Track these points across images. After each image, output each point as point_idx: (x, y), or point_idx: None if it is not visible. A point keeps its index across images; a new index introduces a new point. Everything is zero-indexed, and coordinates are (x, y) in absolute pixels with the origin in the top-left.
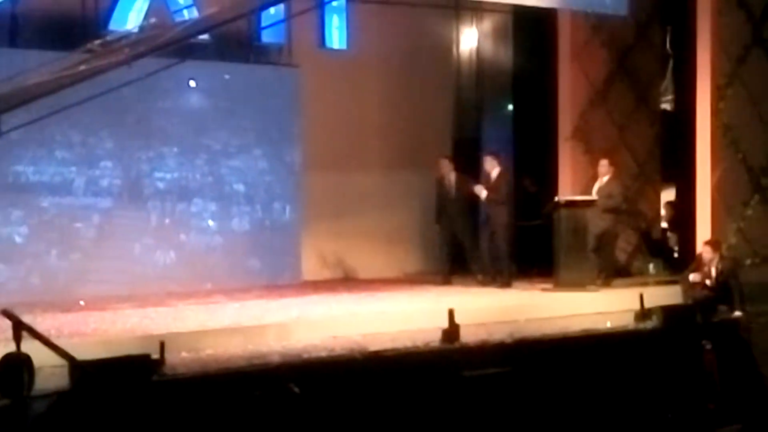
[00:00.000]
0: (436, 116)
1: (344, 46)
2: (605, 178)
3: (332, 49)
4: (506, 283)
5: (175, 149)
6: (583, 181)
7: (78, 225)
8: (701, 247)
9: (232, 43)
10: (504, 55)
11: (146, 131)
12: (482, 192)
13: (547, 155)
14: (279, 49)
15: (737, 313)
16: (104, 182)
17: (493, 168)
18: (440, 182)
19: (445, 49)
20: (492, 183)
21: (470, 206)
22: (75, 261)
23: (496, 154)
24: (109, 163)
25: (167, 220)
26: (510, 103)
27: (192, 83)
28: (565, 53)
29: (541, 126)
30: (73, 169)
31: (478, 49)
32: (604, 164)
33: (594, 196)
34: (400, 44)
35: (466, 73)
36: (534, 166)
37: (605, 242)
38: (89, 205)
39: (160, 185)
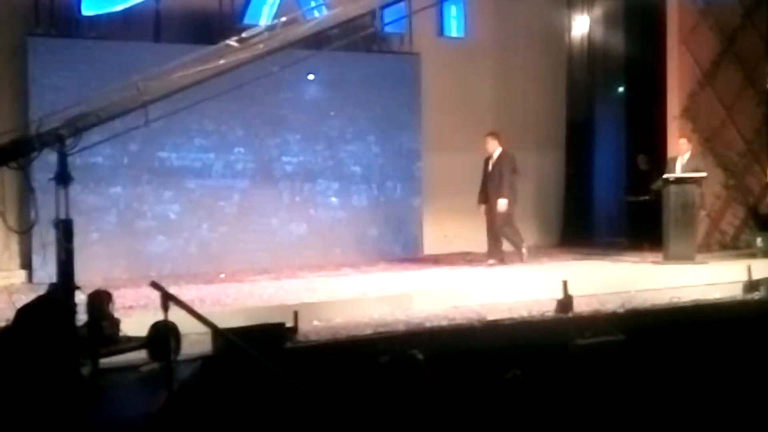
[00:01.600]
0: (549, 99)
1: (461, 35)
2: (686, 156)
3: (450, 37)
4: (501, 260)
5: (298, 136)
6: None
7: (221, 203)
8: None
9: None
10: (615, 40)
11: (273, 119)
12: (504, 206)
13: (658, 134)
14: (400, 38)
15: None
16: (239, 166)
17: (494, 148)
18: (486, 161)
19: (558, 35)
20: (493, 163)
21: None
22: (223, 233)
23: (495, 134)
24: (241, 149)
25: (297, 198)
26: (621, 85)
27: (310, 76)
28: (673, 37)
29: (652, 107)
30: (211, 155)
31: (589, 35)
32: (683, 142)
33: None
34: (515, 32)
35: (578, 58)
36: (645, 145)
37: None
38: (229, 186)
39: (288, 168)
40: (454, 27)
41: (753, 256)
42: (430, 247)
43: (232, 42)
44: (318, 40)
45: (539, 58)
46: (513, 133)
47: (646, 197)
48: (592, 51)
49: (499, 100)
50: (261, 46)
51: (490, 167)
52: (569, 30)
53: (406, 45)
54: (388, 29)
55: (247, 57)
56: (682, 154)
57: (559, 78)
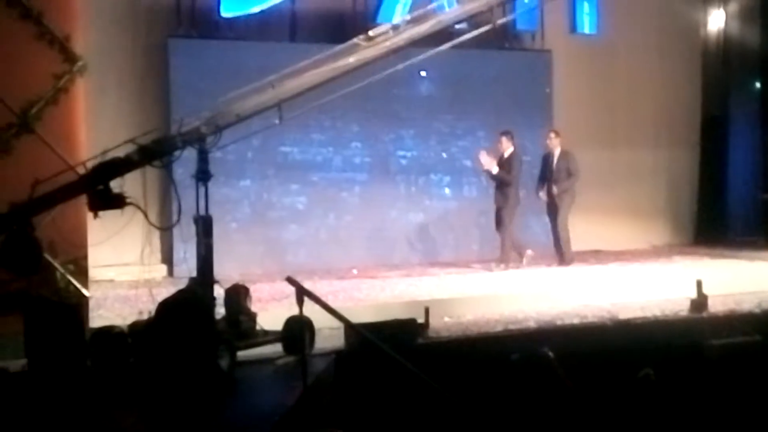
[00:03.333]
0: (683, 95)
1: (594, 31)
2: None
3: (583, 34)
4: (503, 263)
5: (412, 131)
6: None
7: (344, 194)
8: None
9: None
10: (751, 35)
11: (388, 115)
12: (494, 167)
13: None
14: (532, 35)
15: None
16: (357, 160)
17: (506, 148)
18: (546, 158)
19: (693, 30)
20: (504, 162)
21: None
22: (349, 221)
23: (509, 134)
24: (358, 144)
25: (413, 189)
26: (758, 80)
27: (423, 73)
28: None
29: None
30: (331, 149)
31: (725, 30)
32: None
33: None
34: (649, 27)
35: (714, 53)
36: None
37: None
38: (349, 179)
39: (403, 162)
40: (587, 23)
41: None
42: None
43: (360, 40)
44: (447, 37)
45: (673, 54)
46: (646, 130)
47: None
48: (727, 46)
49: (632, 97)
50: (387, 43)
51: (553, 165)
52: (704, 25)
53: (537, 42)
54: (520, 26)
55: (373, 54)
56: None
57: (694, 74)
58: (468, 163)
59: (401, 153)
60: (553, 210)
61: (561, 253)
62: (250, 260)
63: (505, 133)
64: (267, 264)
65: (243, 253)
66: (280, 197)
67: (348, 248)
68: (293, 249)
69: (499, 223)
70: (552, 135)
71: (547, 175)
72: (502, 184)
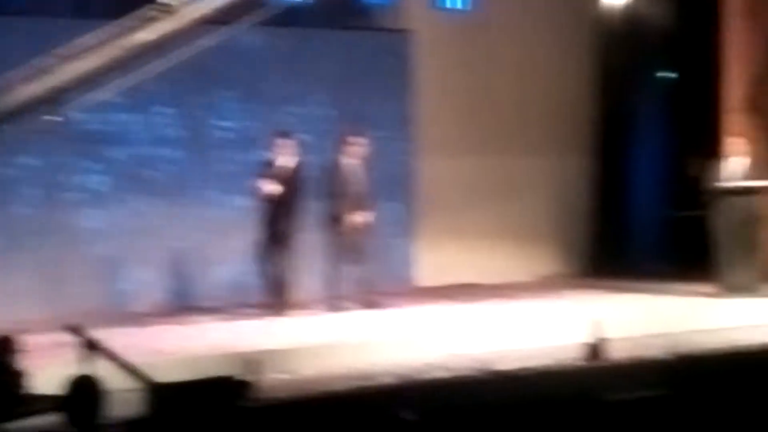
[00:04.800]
0: (577, 88)
1: (464, 6)
2: (739, 159)
3: (450, 10)
4: (279, 310)
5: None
6: (755, 161)
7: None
8: None
9: (331, 5)
10: (661, 12)
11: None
12: (268, 187)
13: (714, 132)
14: (386, 11)
15: None
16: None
17: (286, 156)
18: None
19: (589, 6)
20: (285, 176)
21: None
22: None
23: (289, 136)
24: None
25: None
26: (668, 70)
27: None
28: (734, 7)
29: (707, 97)
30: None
31: (628, 7)
32: (736, 142)
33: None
34: (535, 3)
35: (614, 37)
36: (698, 146)
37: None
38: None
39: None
40: None
41: None
42: (423, 278)
43: (155, 10)
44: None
45: (564, 36)
46: (531, 133)
47: (699, 212)
48: (631, 27)
49: (513, 91)
50: (190, 14)
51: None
52: (603, 2)
53: (393, 19)
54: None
55: (175, 27)
56: (733, 156)
57: (590, 62)
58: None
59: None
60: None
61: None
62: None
63: (282, 134)
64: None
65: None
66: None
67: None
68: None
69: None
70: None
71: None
72: (284, 206)
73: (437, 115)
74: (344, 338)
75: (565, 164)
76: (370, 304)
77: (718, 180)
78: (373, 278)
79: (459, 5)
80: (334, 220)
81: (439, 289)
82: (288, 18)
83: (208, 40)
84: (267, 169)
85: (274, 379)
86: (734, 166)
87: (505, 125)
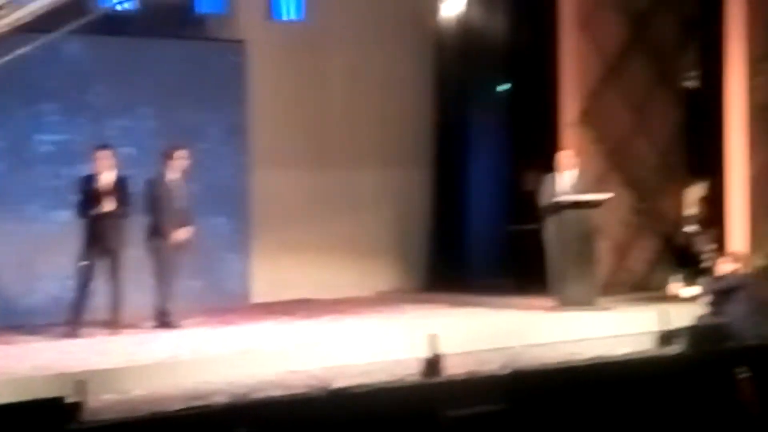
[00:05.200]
0: (415, 100)
1: (299, 17)
2: (571, 172)
3: (285, 21)
4: (109, 328)
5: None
6: (591, 175)
7: None
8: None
9: (162, 14)
10: (499, 23)
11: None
12: (92, 202)
13: (551, 145)
14: (220, 21)
15: None
16: None
17: (106, 168)
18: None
19: (424, 17)
20: (106, 191)
21: None
22: None
23: (108, 149)
24: None
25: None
26: (504, 81)
27: None
28: (570, 20)
29: (543, 109)
30: None
31: (464, 18)
32: (568, 155)
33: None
34: (369, 14)
35: (450, 46)
36: (535, 159)
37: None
38: None
39: None
40: (289, 8)
41: (668, 300)
42: (259, 294)
43: None
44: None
45: (400, 46)
46: (368, 145)
47: (536, 226)
48: (467, 38)
49: (349, 102)
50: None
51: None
52: (439, 12)
53: (228, 29)
54: (202, 9)
55: None
56: (565, 170)
57: (426, 72)
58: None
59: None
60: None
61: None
62: None
63: (101, 147)
64: None
65: None
66: None
67: None
68: None
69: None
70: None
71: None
72: (113, 219)
73: (272, 127)
74: (177, 356)
75: (403, 177)
76: (167, 324)
77: (553, 194)
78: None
79: (294, 16)
80: (157, 236)
81: (275, 305)
82: (118, 27)
83: (26, 48)
84: (87, 184)
85: (105, 399)
86: (568, 180)
87: (341, 137)
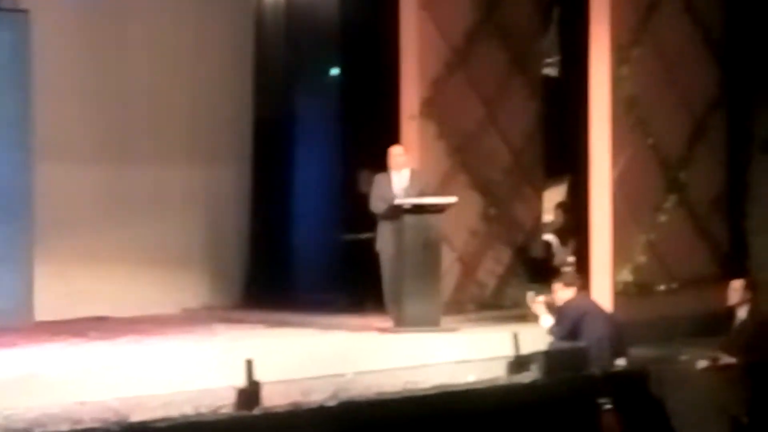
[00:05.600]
0: (229, 85)
1: None
2: (405, 172)
3: None
4: None
5: None
6: (434, 175)
7: None
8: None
9: None
10: (331, 3)
11: None
12: None
13: (388, 140)
14: None
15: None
16: None
17: None
18: None
19: None
20: None
21: None
22: None
23: None
24: None
25: None
26: (335, 66)
27: None
28: None
29: (381, 99)
30: None
31: None
32: (399, 153)
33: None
34: None
35: (272, 25)
36: (371, 157)
37: None
38: None
39: None
40: None
41: (522, 318)
42: (45, 311)
43: None
44: None
45: (213, 22)
46: (174, 140)
47: (372, 234)
48: (292, 14)
49: (152, 86)
50: None
51: None
52: None
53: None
54: None
55: None
56: (397, 169)
57: (245, 55)
58: None
59: None
60: None
61: None
62: None
63: None
64: None
65: None
66: None
67: None
68: None
69: None
70: None
71: None
72: None
73: (60, 116)
74: None
75: (216, 177)
76: None
77: (388, 197)
78: None
79: None
80: None
81: (64, 324)
82: None
83: None
84: None
85: None
86: (406, 181)
87: (144, 127)
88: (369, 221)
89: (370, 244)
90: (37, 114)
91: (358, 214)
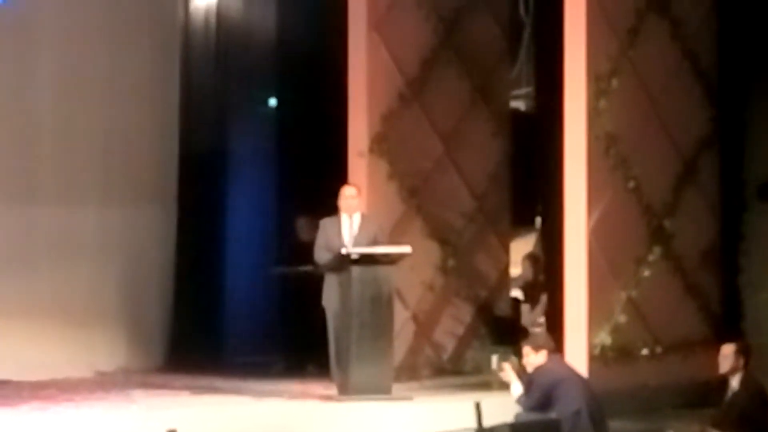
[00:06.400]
0: (152, 116)
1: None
2: (356, 217)
3: None
4: None
5: None
6: (386, 221)
7: None
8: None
9: None
10: (264, 20)
11: None
12: None
13: (334, 181)
14: None
15: None
16: None
17: None
18: None
19: (167, 8)
20: None
21: None
22: None
23: None
24: None
25: None
26: (273, 96)
27: None
28: (360, 19)
29: (325, 133)
30: None
31: (219, 9)
32: (351, 195)
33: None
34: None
35: (201, 47)
36: (314, 201)
37: None
38: None
39: None
40: None
41: (485, 386)
42: None
43: None
44: None
45: (136, 44)
46: (88, 178)
47: (317, 287)
48: (224, 37)
49: (64, 115)
50: None
51: None
52: (188, 3)
53: None
54: None
55: None
56: (349, 213)
57: (171, 81)
58: None
59: None
60: None
61: None
62: None
63: None
64: None
65: None
66: None
67: None
68: None
69: None
70: None
71: None
72: None
73: None
74: None
75: (135, 220)
76: None
77: (334, 245)
78: None
79: None
80: None
81: None
82: None
83: None
84: None
85: None
86: (355, 228)
87: (53, 163)
88: (312, 273)
89: (314, 298)
90: None
91: (298, 264)
